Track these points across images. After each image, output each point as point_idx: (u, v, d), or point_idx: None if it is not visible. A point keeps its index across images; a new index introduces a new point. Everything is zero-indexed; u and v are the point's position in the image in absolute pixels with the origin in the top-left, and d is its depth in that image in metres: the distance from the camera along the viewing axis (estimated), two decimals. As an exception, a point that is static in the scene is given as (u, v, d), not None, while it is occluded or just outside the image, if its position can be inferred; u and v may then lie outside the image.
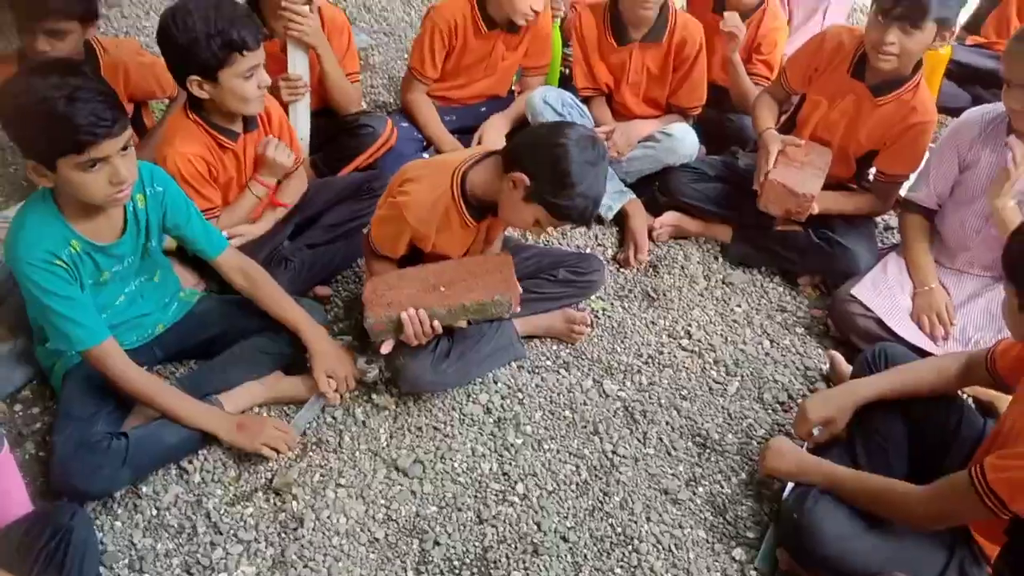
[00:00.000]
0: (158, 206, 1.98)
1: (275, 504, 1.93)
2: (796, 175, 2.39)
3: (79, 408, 1.91)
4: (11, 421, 2.05)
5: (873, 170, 2.56)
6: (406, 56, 3.53)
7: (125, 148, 1.76)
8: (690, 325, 2.45)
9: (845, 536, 1.67)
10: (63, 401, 1.94)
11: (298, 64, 2.54)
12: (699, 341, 2.40)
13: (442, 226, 2.04)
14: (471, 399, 2.19)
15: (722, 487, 2.02)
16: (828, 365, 2.31)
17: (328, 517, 1.90)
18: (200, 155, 2.16)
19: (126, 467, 1.85)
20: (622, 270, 2.63)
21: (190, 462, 1.99)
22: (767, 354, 2.38)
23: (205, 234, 2.08)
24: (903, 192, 2.50)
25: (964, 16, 3.64)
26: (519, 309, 2.04)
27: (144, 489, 1.93)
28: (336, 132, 2.71)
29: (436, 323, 1.97)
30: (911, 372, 1.90)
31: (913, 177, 2.49)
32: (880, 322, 2.24)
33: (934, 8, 2.15)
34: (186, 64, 2.06)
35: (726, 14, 2.71)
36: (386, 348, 2.04)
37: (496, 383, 2.23)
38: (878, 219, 2.78)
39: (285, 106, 2.54)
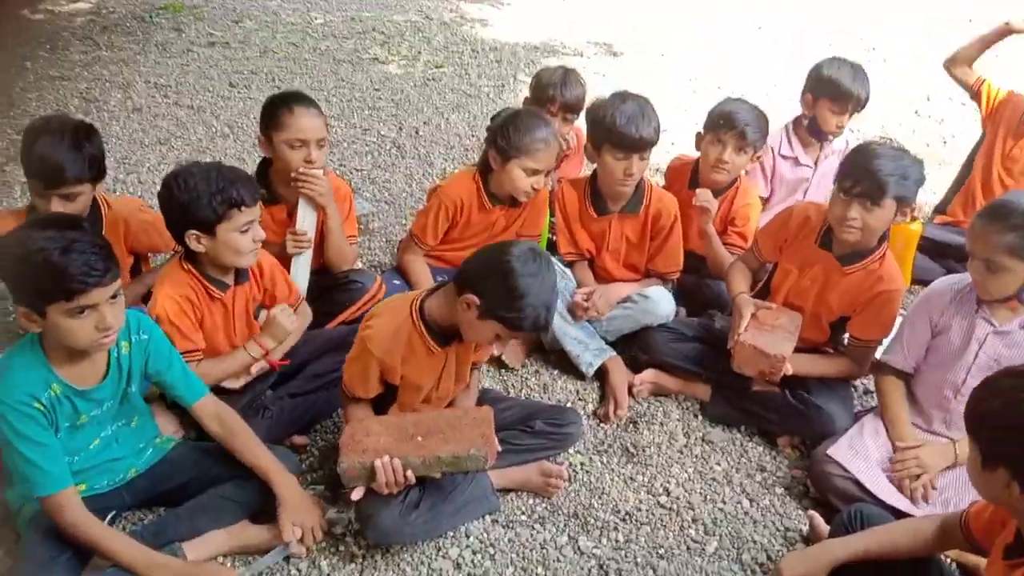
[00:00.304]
0: (141, 353, 2.05)
1: (229, 661, 1.85)
2: (767, 337, 2.46)
3: (37, 554, 1.89)
4: (-30, 567, 2.01)
5: (847, 335, 2.62)
6: (403, 222, 3.73)
7: (114, 297, 1.85)
8: (668, 482, 2.42)
9: None
10: (24, 546, 1.92)
11: (307, 221, 2.71)
12: (677, 499, 2.37)
13: (407, 355, 2.09)
14: (441, 553, 2.14)
15: (698, 652, 1.93)
16: (808, 526, 2.26)
17: (283, 677, 1.82)
18: (186, 296, 2.26)
19: (78, 617, 1.80)
20: (602, 425, 2.63)
21: (146, 615, 1.92)
22: (746, 513, 2.33)
23: (185, 381, 2.13)
24: (878, 355, 2.55)
25: (935, 199, 3.85)
26: (493, 463, 2.04)
27: (95, 642, 1.86)
28: (327, 287, 2.82)
29: (409, 473, 1.97)
30: (886, 534, 1.89)
31: (887, 342, 2.54)
32: (858, 482, 2.22)
33: (891, 188, 2.30)
34: (186, 219, 2.20)
35: (698, 191, 2.90)
36: (356, 495, 2.03)
37: (468, 537, 2.19)
38: (857, 383, 2.81)
39: (288, 259, 2.68)
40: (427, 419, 2.08)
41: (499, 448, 2.05)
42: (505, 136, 2.70)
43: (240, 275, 2.38)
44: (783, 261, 2.66)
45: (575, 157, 3.50)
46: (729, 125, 2.83)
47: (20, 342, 1.91)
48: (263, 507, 2.13)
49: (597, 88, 5.08)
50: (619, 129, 2.65)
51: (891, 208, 2.34)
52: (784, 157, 3.35)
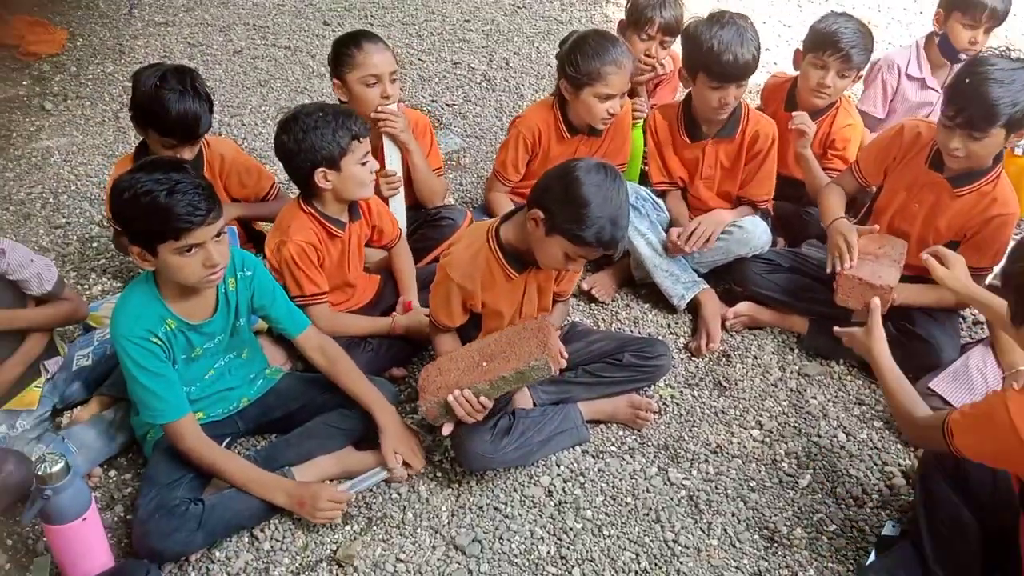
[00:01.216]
0: (247, 288, 2.16)
1: (337, 575, 1.98)
2: (871, 267, 2.35)
3: (162, 475, 2.04)
4: (105, 485, 2.21)
5: None
6: (494, 157, 3.73)
7: (219, 235, 1.95)
8: (761, 416, 2.40)
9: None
10: (149, 468, 2.09)
11: (394, 160, 2.75)
12: (770, 432, 2.35)
13: (486, 282, 2.13)
14: (533, 481, 2.21)
15: (787, 582, 1.95)
16: (907, 461, 2.21)
17: (385, 591, 1.94)
18: (311, 243, 2.34)
19: (200, 531, 1.96)
20: (693, 359, 2.62)
21: (262, 531, 2.08)
22: (842, 447, 2.30)
23: (288, 315, 2.24)
24: (988, 281, 2.42)
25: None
26: (560, 369, 2.06)
27: (217, 554, 2.02)
28: (420, 224, 2.88)
29: (483, 399, 2.02)
30: None
31: (997, 269, 2.41)
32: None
33: (1000, 118, 2.13)
34: (312, 158, 2.27)
35: (795, 113, 2.76)
36: (446, 430, 2.11)
37: (559, 466, 2.24)
38: (966, 313, 2.68)
39: (385, 200, 2.74)
40: (490, 342, 2.12)
41: (563, 350, 2.07)
42: (573, 64, 2.64)
43: (353, 213, 2.45)
44: (889, 182, 2.53)
45: (670, 83, 3.39)
46: (833, 47, 2.68)
47: (136, 280, 2.05)
48: (366, 435, 2.24)
49: (698, 3, 4.90)
50: (715, 57, 2.53)
51: (1000, 135, 2.19)
52: (911, 78, 3.14)
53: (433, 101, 4.27)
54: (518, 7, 5.35)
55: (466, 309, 2.19)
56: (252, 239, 2.85)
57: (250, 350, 2.29)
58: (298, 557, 2.03)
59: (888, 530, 2.01)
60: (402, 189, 2.79)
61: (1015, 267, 1.60)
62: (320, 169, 2.27)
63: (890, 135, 2.53)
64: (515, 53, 4.75)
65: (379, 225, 2.56)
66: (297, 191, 2.43)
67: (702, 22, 2.64)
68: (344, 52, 2.61)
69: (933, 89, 3.15)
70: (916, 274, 2.50)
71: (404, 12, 5.32)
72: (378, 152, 2.70)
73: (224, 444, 2.21)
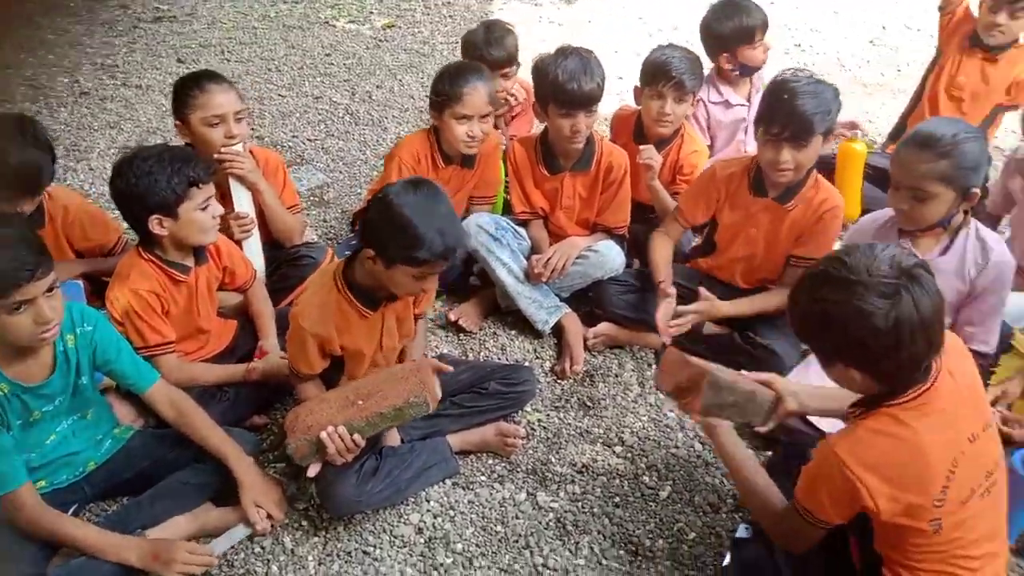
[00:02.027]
0: (88, 344, 2.06)
1: (198, 639, 1.90)
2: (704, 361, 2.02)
3: (4, 547, 1.91)
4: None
5: (789, 258, 2.63)
6: (359, 192, 3.71)
7: (50, 290, 1.85)
8: (623, 432, 2.47)
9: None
10: (-7, 540, 1.95)
11: (243, 202, 2.69)
12: (632, 447, 2.42)
13: (341, 326, 2.11)
14: (402, 520, 2.19)
15: (652, 594, 2.00)
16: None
17: (250, 650, 1.88)
18: (153, 291, 2.26)
19: (48, 609, 1.85)
20: (559, 381, 2.68)
21: (116, 600, 1.97)
22: (699, 456, 2.39)
23: (135, 369, 2.15)
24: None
25: (888, 127, 3.87)
26: (435, 407, 2.07)
27: (67, 631, 1.91)
28: (279, 263, 2.82)
29: (357, 437, 2.00)
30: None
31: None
32: (803, 418, 2.27)
33: (817, 127, 2.33)
34: (146, 204, 2.19)
35: (642, 148, 2.89)
36: (312, 471, 2.07)
37: (428, 501, 2.24)
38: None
39: (239, 243, 2.67)
40: (366, 383, 2.11)
41: (439, 393, 2.08)
42: (436, 88, 2.74)
43: (199, 257, 2.38)
44: (723, 219, 2.70)
45: (525, 114, 3.48)
46: (666, 76, 2.82)
47: (-40, 343, 1.92)
48: (225, 490, 2.16)
49: (552, 37, 5.05)
50: (561, 86, 2.63)
51: (818, 142, 2.39)
52: (715, 103, 3.34)
53: (294, 136, 4.21)
54: (380, 40, 5.36)
55: (325, 355, 2.16)
56: (100, 294, 2.72)
57: (96, 410, 2.18)
58: (157, 623, 1.94)
59: (741, 532, 2.09)
60: (255, 230, 2.73)
61: (796, 318, 1.63)
62: (155, 216, 2.20)
63: (704, 179, 2.71)
64: (377, 86, 4.75)
65: (230, 267, 2.49)
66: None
67: (548, 55, 2.74)
68: (186, 93, 2.56)
69: (740, 104, 3.36)
70: (754, 285, 2.66)
71: (263, 47, 5.24)
72: (226, 194, 2.64)
73: (71, 512, 2.09)
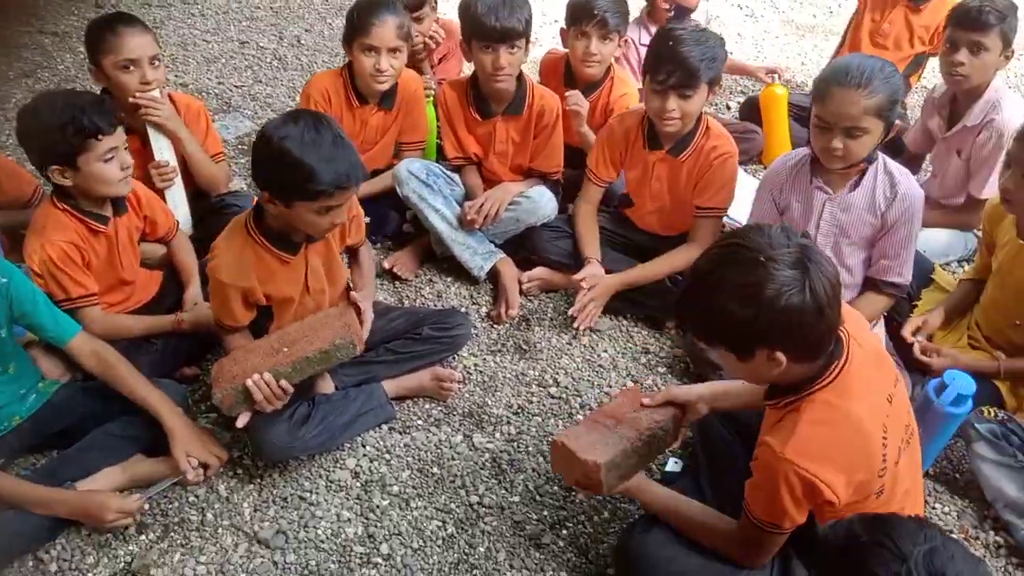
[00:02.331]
0: (3, 298, 2.00)
1: (132, 588, 1.90)
2: (596, 436, 1.85)
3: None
4: None
5: (695, 209, 2.66)
6: (289, 139, 3.62)
7: None
8: (558, 374, 2.51)
9: (673, 558, 1.73)
10: (-89, 502, 1.90)
11: (163, 150, 2.61)
12: (566, 388, 2.46)
13: (262, 275, 2.07)
14: (338, 464, 2.20)
15: (585, 527, 2.06)
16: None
17: (186, 597, 1.88)
18: (71, 242, 2.18)
19: (-29, 561, 1.81)
20: (495, 326, 2.69)
21: (47, 552, 1.95)
22: (631, 395, 2.44)
23: (54, 322, 2.09)
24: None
25: (819, 70, 3.91)
26: (362, 349, 2.08)
27: (-5, 585, 1.88)
28: (204, 214, 2.75)
29: (284, 383, 1.99)
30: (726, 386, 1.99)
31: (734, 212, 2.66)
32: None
33: (703, 74, 2.36)
34: (43, 155, 2.11)
35: (568, 93, 2.87)
36: (241, 421, 2.04)
37: (364, 446, 2.25)
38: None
39: (161, 192, 2.60)
40: (291, 330, 2.09)
41: (363, 335, 2.09)
42: (347, 20, 2.71)
43: (118, 206, 2.30)
44: (628, 174, 2.73)
45: (453, 56, 3.42)
46: (588, 15, 2.79)
47: None
48: (156, 441, 2.13)
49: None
50: (480, 20, 2.59)
51: (704, 91, 2.41)
52: (646, 45, 3.33)
53: (220, 83, 4.08)
54: (308, -17, 5.19)
55: (249, 305, 2.12)
56: (19, 249, 2.62)
57: (17, 364, 2.12)
58: (90, 575, 1.92)
59: (671, 466, 2.17)
60: (178, 179, 2.65)
61: (730, 297, 1.46)
62: (54, 167, 2.11)
63: (604, 136, 2.72)
64: (306, 30, 4.62)
65: (150, 216, 2.43)
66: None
67: None
68: (98, 36, 2.45)
69: None
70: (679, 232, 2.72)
71: (185, -10, 5.03)
72: (146, 142, 2.56)
73: (-3, 467, 2.05)
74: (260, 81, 4.11)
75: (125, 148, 2.03)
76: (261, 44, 4.45)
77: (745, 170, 3.41)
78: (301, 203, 1.92)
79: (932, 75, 3.95)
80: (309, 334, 2.04)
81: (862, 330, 1.69)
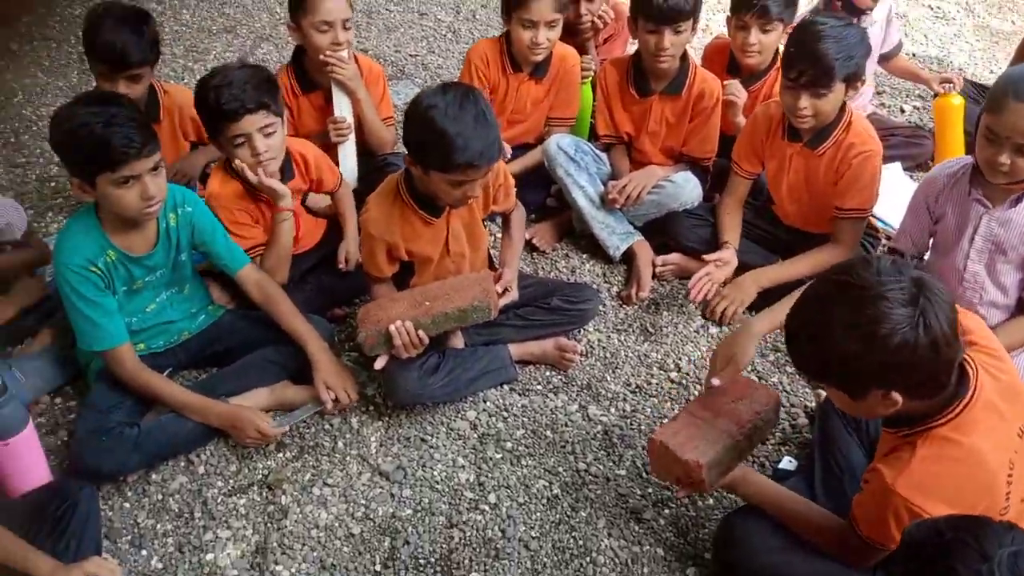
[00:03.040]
0: (187, 224, 2.25)
1: (266, 497, 2.11)
2: (696, 431, 1.85)
3: (101, 400, 2.16)
4: (51, 412, 2.32)
5: (835, 210, 2.58)
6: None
7: (155, 168, 2.03)
8: (681, 360, 2.53)
9: (772, 549, 1.72)
10: (90, 394, 2.20)
11: (343, 108, 2.82)
12: (687, 375, 2.48)
13: (406, 233, 2.21)
14: (459, 415, 2.33)
15: (688, 510, 2.08)
16: (814, 402, 2.34)
17: (311, 511, 2.07)
18: (241, 207, 2.41)
19: (136, 453, 2.08)
20: (624, 306, 2.74)
21: (197, 455, 2.20)
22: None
23: (228, 251, 2.33)
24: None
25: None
26: (497, 314, 2.19)
27: (154, 476, 2.15)
28: (369, 170, 2.95)
29: (422, 333, 2.13)
30: None
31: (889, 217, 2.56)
32: None
33: (838, 72, 2.28)
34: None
35: (727, 83, 2.85)
36: (380, 363, 2.21)
37: (485, 402, 2.37)
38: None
39: (334, 147, 2.82)
40: (433, 287, 2.23)
41: (499, 301, 2.19)
42: None
43: (285, 172, 2.44)
44: (768, 167, 2.67)
45: (618, 37, 3.45)
46: (748, 5, 2.74)
47: (78, 212, 2.14)
48: (302, 370, 2.34)
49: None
50: None
51: (840, 90, 2.34)
52: None
53: (397, 51, 4.31)
54: (489, -40, 5.35)
55: (393, 259, 2.28)
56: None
57: (192, 286, 2.38)
58: (231, 480, 2.15)
59: (785, 464, 2.15)
60: (352, 135, 2.86)
61: (843, 338, 1.41)
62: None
63: (749, 126, 2.67)
64: (483, 6, 4.78)
65: (316, 177, 2.61)
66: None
67: None
68: None
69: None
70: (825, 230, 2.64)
71: (373, -39, 5.32)
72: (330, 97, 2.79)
73: (165, 375, 2.30)
74: (433, 52, 4.31)
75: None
76: (439, 17, 4.66)
77: (912, 176, 3.26)
78: (436, 172, 2.04)
79: None
80: (450, 292, 2.18)
81: (1000, 360, 1.60)
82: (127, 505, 2.09)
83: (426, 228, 2.24)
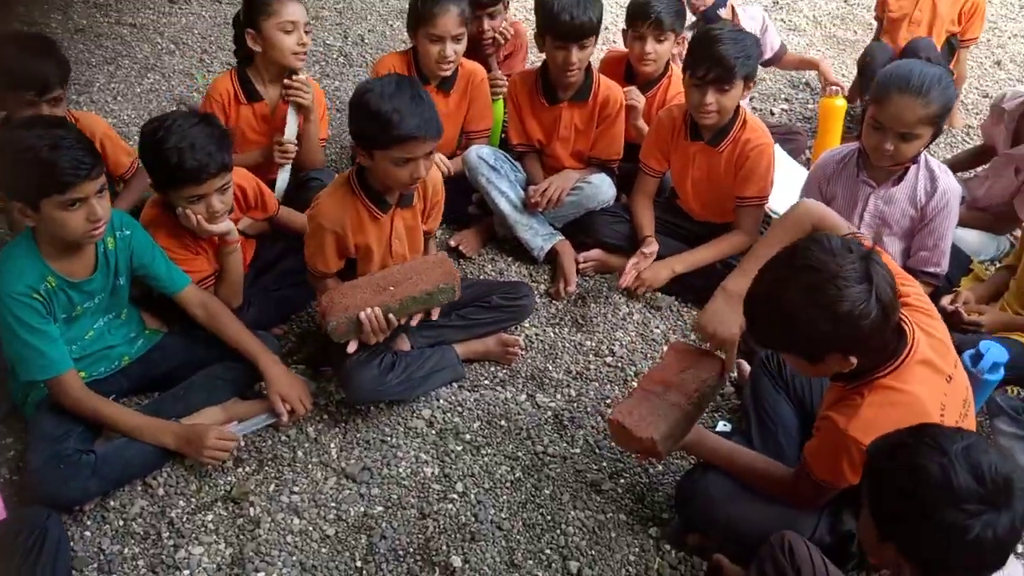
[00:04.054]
0: (126, 247, 2.23)
1: (233, 511, 2.11)
2: (648, 405, 1.97)
3: (51, 429, 2.09)
4: (-14, 450, 2.22)
5: (736, 200, 2.84)
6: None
7: (101, 191, 2.01)
8: (613, 345, 2.70)
9: (730, 499, 1.91)
10: (35, 425, 2.13)
11: (292, 131, 2.85)
12: (621, 358, 2.66)
13: (355, 225, 2.30)
14: (414, 415, 2.40)
15: (641, 478, 2.25)
16: (736, 372, 2.57)
17: (283, 519, 2.09)
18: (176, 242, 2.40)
19: (94, 478, 2.04)
20: (554, 302, 2.89)
21: (154, 478, 2.17)
22: (683, 366, 2.63)
23: (168, 273, 2.32)
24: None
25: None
26: (459, 296, 2.30)
27: (112, 503, 2.10)
28: (293, 188, 2.98)
29: (391, 317, 2.21)
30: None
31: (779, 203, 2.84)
32: None
33: (739, 71, 2.55)
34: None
35: (627, 89, 3.07)
36: (352, 348, 2.25)
37: (438, 400, 2.45)
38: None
39: (272, 163, 2.85)
40: (393, 272, 2.30)
41: (460, 280, 2.30)
42: (410, 8, 2.94)
43: None
44: (672, 165, 2.92)
45: (518, 54, 3.64)
46: (644, 16, 2.97)
47: (15, 238, 2.08)
48: (251, 385, 2.36)
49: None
50: (555, 17, 2.78)
51: (740, 87, 2.60)
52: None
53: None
54: (369, -13, 5.46)
55: (340, 254, 2.34)
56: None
57: (129, 311, 2.35)
58: (193, 499, 2.14)
59: (720, 427, 2.35)
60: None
61: (805, 311, 1.57)
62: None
63: (654, 128, 2.92)
64: (369, 30, 4.87)
65: (256, 207, 2.64)
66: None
67: None
68: (261, 1, 2.71)
69: None
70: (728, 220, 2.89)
71: (254, -9, 5.30)
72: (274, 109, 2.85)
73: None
74: (328, 76, 4.36)
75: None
76: (327, 42, 4.71)
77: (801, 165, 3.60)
78: (380, 152, 2.14)
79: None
80: (413, 276, 2.26)
81: (932, 318, 1.81)
82: (88, 534, 2.03)
83: (373, 224, 2.32)
